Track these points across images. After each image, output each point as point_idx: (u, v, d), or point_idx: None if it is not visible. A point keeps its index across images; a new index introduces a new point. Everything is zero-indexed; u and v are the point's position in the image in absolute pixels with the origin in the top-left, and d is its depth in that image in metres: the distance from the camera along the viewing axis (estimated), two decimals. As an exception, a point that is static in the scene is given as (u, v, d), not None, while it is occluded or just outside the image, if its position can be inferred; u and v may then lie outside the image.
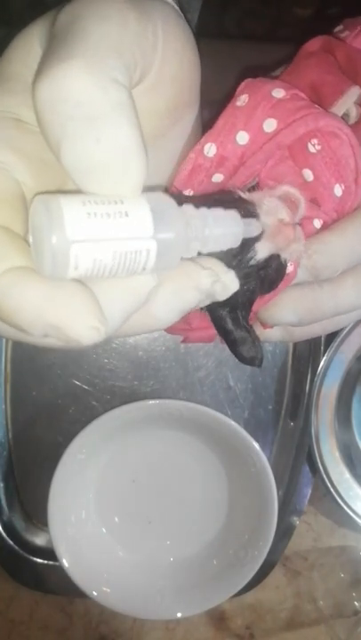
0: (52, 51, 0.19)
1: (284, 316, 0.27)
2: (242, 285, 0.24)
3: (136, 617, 0.48)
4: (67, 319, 0.17)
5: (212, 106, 0.27)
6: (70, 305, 0.17)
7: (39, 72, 0.18)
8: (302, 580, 0.51)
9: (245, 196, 0.24)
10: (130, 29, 0.19)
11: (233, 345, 0.26)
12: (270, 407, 0.49)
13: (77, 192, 0.19)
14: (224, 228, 0.21)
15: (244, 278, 0.24)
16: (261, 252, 0.24)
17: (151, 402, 0.44)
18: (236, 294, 0.24)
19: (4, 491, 0.47)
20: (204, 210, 0.20)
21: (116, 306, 0.19)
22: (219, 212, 0.21)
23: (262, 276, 0.24)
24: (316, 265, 0.26)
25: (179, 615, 0.46)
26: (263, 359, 0.27)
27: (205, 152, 0.25)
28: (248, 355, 0.26)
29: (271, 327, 0.29)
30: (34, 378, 0.47)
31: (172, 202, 0.19)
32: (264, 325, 0.29)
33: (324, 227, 0.26)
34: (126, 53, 0.19)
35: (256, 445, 0.44)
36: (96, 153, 0.18)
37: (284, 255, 0.25)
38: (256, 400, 0.49)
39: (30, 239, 0.18)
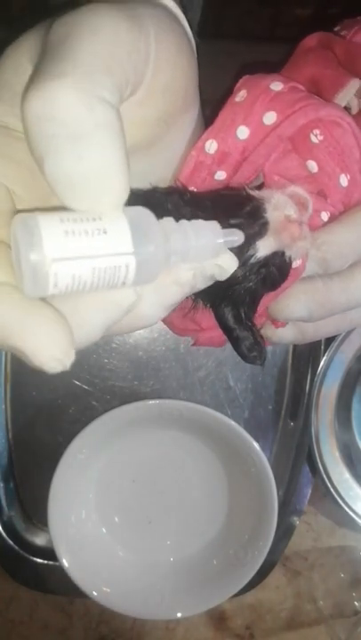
0: (42, 66, 0.19)
1: (295, 310, 0.27)
2: (242, 283, 0.24)
3: (136, 617, 0.48)
4: (32, 347, 0.18)
5: (212, 105, 0.27)
6: (38, 334, 0.18)
7: (29, 86, 0.18)
8: (302, 579, 0.51)
9: (253, 193, 0.24)
10: (121, 43, 0.19)
11: (235, 343, 0.26)
12: (270, 407, 0.49)
13: (62, 206, 0.19)
14: (205, 239, 0.21)
15: (244, 276, 0.24)
16: (263, 249, 0.24)
17: (151, 402, 0.44)
18: (236, 291, 0.24)
19: (3, 491, 0.47)
20: (183, 222, 0.21)
21: (97, 318, 0.20)
22: (199, 223, 0.21)
23: (264, 275, 0.24)
24: (325, 256, 0.26)
25: (179, 615, 0.46)
26: (266, 358, 0.26)
27: (206, 149, 0.25)
28: (250, 353, 0.26)
29: (283, 325, 0.29)
30: (34, 378, 0.47)
31: (151, 217, 0.20)
32: (275, 324, 0.29)
33: (332, 219, 0.26)
34: (117, 70, 0.19)
35: (256, 445, 0.44)
36: (77, 170, 0.18)
37: (288, 253, 0.24)
38: (256, 400, 0.49)
39: (13, 256, 0.19)
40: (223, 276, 0.22)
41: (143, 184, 0.25)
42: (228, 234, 0.21)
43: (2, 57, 0.22)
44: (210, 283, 0.22)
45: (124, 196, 0.19)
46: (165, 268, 0.20)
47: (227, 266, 0.22)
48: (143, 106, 0.22)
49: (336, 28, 0.31)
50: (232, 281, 0.23)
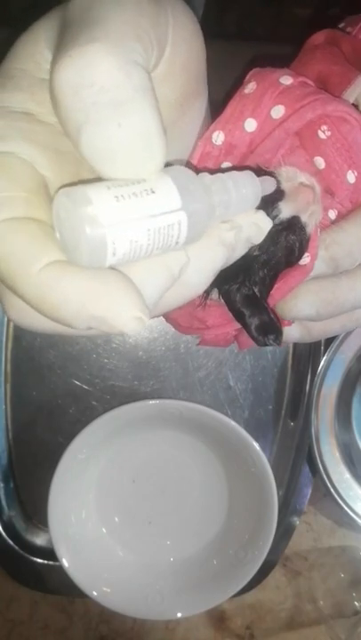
0: (70, 37, 0.18)
1: (303, 309, 0.27)
2: (262, 254, 0.24)
3: (136, 617, 0.48)
4: (111, 311, 0.17)
5: (213, 105, 0.27)
6: (114, 296, 0.18)
7: (58, 56, 0.18)
8: (302, 579, 0.51)
9: (264, 168, 0.25)
10: (145, 14, 0.19)
11: (248, 327, 0.26)
12: (270, 407, 0.49)
13: (94, 180, 0.19)
14: (244, 188, 0.21)
15: (264, 245, 0.23)
16: (285, 211, 0.24)
17: (151, 402, 0.44)
18: (253, 267, 0.24)
19: (3, 491, 0.47)
20: (220, 175, 0.21)
21: (152, 286, 0.19)
22: (234, 174, 0.21)
23: (288, 242, 0.24)
24: (334, 255, 0.26)
25: (179, 615, 0.46)
26: (281, 336, 0.26)
27: (214, 140, 0.25)
28: (265, 337, 0.26)
29: (289, 324, 0.29)
30: (34, 378, 0.47)
31: (190, 172, 0.19)
32: (282, 322, 0.29)
33: (340, 217, 0.26)
34: (144, 37, 0.19)
35: (256, 445, 0.44)
36: (118, 138, 0.18)
37: (304, 218, 0.25)
38: (256, 400, 0.49)
39: (57, 234, 0.18)
40: (259, 238, 0.22)
41: None
42: (263, 181, 0.21)
43: (15, 46, 0.21)
44: (247, 247, 0.22)
45: (165, 159, 0.19)
46: (212, 223, 0.20)
47: (263, 224, 0.22)
48: (163, 84, 0.22)
49: (341, 25, 0.31)
50: (251, 252, 0.23)
